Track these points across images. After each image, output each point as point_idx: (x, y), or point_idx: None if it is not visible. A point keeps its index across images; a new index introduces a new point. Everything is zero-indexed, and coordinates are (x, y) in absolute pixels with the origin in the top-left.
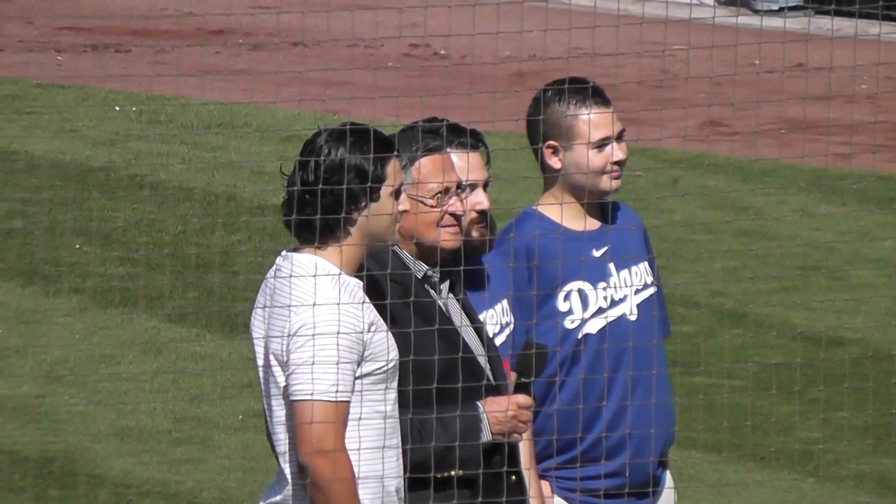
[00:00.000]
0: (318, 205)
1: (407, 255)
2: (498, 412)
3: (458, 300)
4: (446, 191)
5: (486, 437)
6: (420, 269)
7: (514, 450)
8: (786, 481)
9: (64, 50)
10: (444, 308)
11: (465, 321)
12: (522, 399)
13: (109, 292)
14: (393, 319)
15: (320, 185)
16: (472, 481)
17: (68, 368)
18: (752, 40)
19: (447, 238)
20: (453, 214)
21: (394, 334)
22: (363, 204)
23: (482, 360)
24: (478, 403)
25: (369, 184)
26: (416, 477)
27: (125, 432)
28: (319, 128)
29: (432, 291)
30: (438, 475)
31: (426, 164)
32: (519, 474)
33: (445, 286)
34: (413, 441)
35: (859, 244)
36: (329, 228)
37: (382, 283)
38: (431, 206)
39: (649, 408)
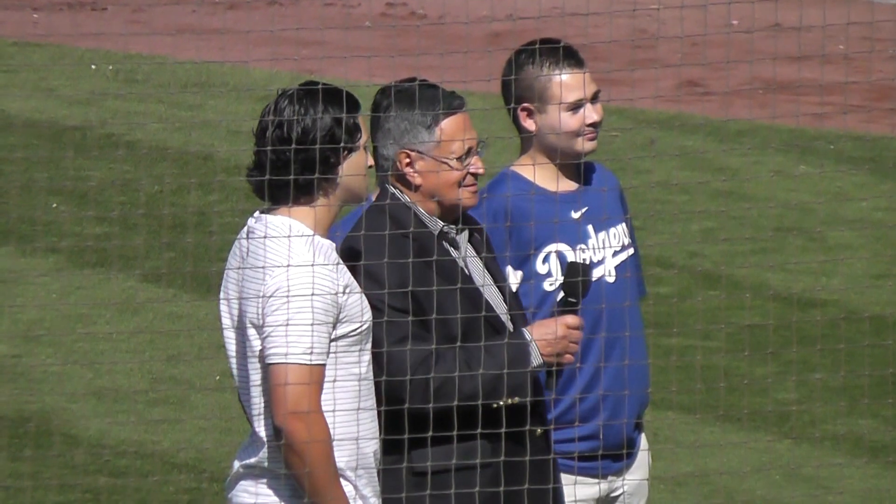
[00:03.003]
0: (295, 164)
1: (424, 213)
2: (547, 334)
3: (480, 259)
4: (468, 151)
5: (536, 361)
6: (436, 226)
7: (540, 405)
8: (761, 443)
9: (40, 8)
10: (463, 264)
11: (487, 279)
12: (571, 319)
13: (85, 252)
14: (413, 277)
15: (293, 146)
16: (490, 437)
17: (44, 328)
18: None
19: (467, 197)
20: (474, 174)
21: (413, 291)
22: (344, 157)
23: (504, 318)
24: (524, 330)
25: (347, 137)
26: (440, 435)
27: (101, 392)
28: (279, 90)
29: (451, 248)
30: (494, 405)
31: (449, 124)
32: (546, 429)
33: (464, 239)
34: (462, 372)
35: (836, 205)
36: (307, 188)
37: (401, 240)
38: (456, 168)
39: (626, 369)
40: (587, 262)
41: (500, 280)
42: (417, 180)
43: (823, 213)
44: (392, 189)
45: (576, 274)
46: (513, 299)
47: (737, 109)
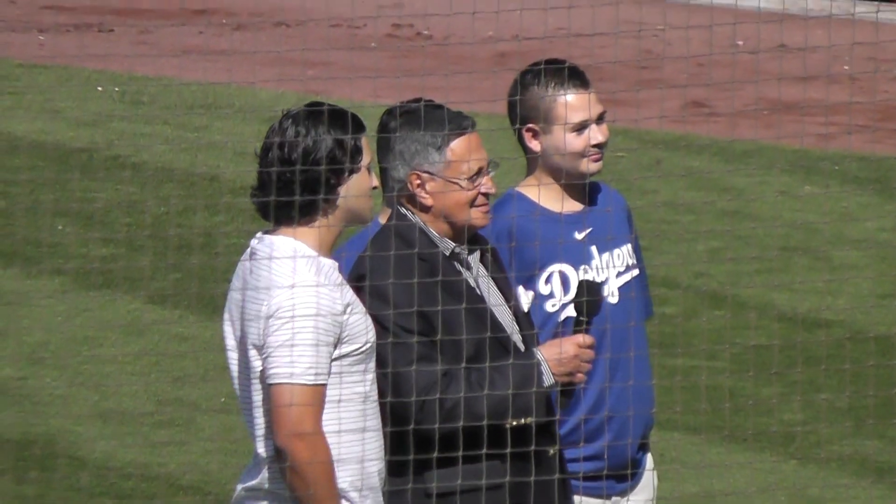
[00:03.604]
0: (297, 185)
1: (434, 233)
2: (558, 354)
3: (491, 278)
4: (479, 171)
5: (548, 380)
6: (447, 246)
7: (552, 426)
8: (767, 463)
9: (46, 30)
10: (474, 284)
11: (499, 299)
12: (582, 338)
13: (91, 274)
14: (425, 299)
15: (298, 166)
16: (503, 457)
17: (50, 351)
18: (730, 20)
19: (478, 217)
20: (485, 194)
21: (425, 312)
22: (345, 179)
23: (516, 338)
24: (534, 350)
25: (348, 159)
26: (446, 456)
27: (107, 415)
28: (283, 111)
29: (461, 268)
30: (508, 425)
31: (459, 145)
32: (559, 449)
33: (476, 259)
34: (475, 393)
35: (841, 225)
36: (310, 208)
37: (412, 261)
38: (467, 188)
39: (630, 391)
40: (596, 281)
41: (511, 300)
42: (429, 201)
43: (829, 234)
44: (403, 210)
45: (587, 293)
46: (524, 319)
47: (742, 130)
